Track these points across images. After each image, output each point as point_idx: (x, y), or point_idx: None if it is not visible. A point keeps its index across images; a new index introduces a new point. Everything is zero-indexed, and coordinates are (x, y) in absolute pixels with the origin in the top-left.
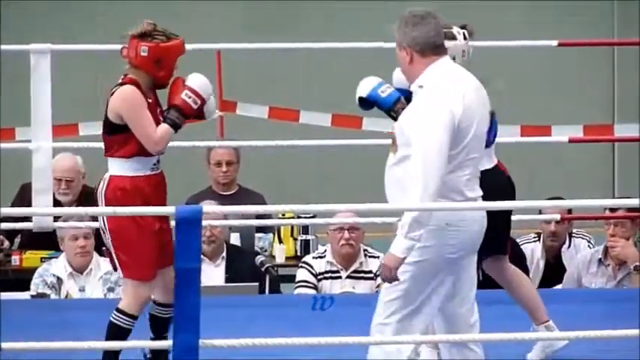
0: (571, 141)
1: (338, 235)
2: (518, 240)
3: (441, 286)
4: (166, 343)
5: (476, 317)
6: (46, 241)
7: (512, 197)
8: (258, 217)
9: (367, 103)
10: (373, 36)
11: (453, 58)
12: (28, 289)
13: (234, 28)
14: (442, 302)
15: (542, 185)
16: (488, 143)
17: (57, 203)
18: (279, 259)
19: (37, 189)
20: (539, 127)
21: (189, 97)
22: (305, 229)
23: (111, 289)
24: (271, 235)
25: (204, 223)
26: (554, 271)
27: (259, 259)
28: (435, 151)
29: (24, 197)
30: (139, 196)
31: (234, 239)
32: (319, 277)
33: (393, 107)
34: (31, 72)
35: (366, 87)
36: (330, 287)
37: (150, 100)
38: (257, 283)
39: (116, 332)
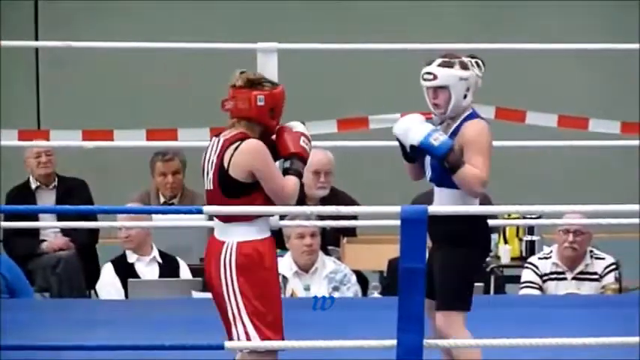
0: None
1: (563, 236)
2: None
3: None
4: (390, 343)
5: None
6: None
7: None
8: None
9: (418, 150)
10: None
11: (467, 89)
12: None
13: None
14: None
15: None
16: None
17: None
18: (505, 259)
19: None
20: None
21: (306, 144)
22: (530, 230)
23: (336, 288)
24: (496, 235)
25: None
26: None
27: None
28: None
29: None
30: None
31: None
32: (544, 277)
33: (446, 157)
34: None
35: (418, 133)
36: (555, 288)
37: None
38: (482, 284)
39: None
